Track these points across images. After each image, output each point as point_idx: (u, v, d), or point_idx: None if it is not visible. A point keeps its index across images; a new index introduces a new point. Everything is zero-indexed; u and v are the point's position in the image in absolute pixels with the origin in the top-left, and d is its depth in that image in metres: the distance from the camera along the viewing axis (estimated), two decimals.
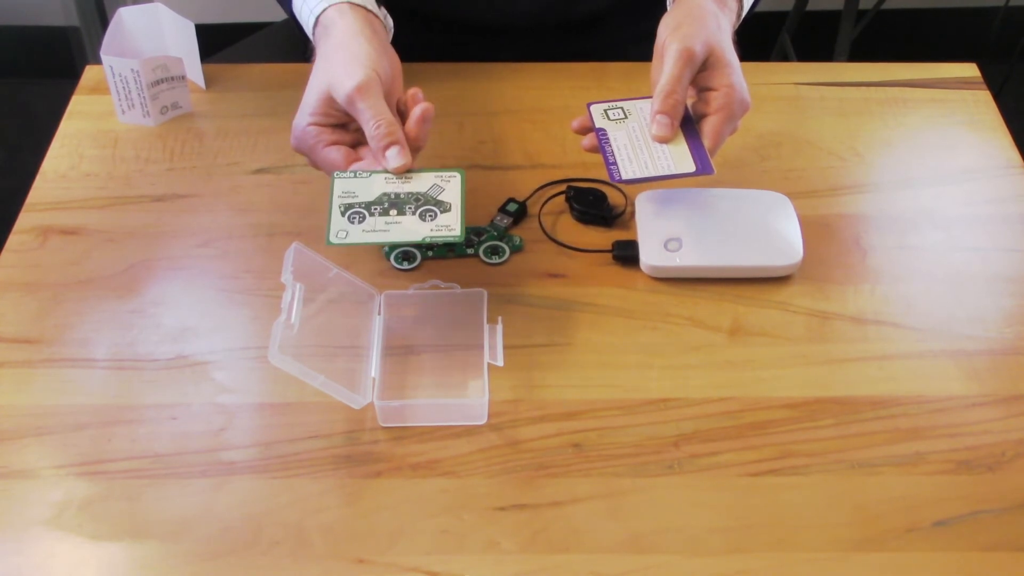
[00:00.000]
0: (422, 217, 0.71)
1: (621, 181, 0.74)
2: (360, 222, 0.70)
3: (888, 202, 0.84)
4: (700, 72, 0.75)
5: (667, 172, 0.74)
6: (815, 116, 0.91)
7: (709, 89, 0.75)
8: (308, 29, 0.80)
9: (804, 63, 0.98)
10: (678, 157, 0.74)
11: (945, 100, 0.93)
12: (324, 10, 0.78)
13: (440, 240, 0.70)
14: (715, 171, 0.73)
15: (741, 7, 0.82)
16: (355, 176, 0.72)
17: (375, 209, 0.71)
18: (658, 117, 0.74)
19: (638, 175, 0.74)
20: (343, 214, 0.70)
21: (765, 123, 0.90)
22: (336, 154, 0.73)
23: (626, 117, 0.77)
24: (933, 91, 0.94)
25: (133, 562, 0.61)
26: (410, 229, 0.70)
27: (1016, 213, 0.83)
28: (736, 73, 0.75)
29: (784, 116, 0.91)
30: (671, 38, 0.74)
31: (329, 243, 0.70)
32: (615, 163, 0.75)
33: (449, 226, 0.70)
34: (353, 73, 0.72)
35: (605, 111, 0.78)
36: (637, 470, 0.66)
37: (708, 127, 0.75)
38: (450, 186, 0.72)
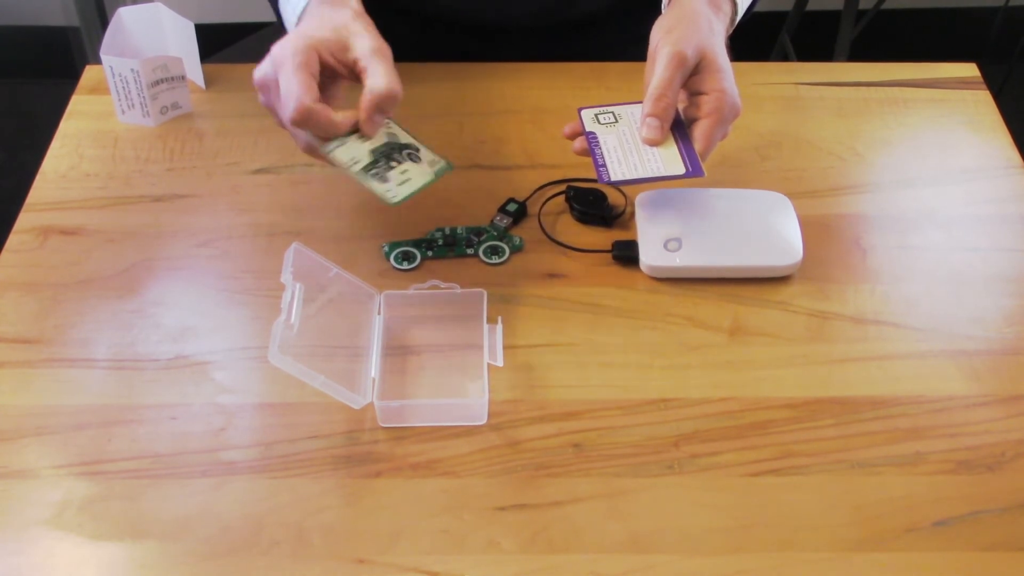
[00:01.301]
0: (412, 159, 0.73)
1: (610, 182, 0.74)
2: (385, 182, 0.73)
3: (888, 202, 0.84)
4: (692, 76, 0.75)
5: (657, 174, 0.74)
6: (815, 116, 0.91)
7: (700, 93, 0.75)
8: (294, 16, 0.80)
9: (804, 63, 0.98)
10: (668, 159, 0.74)
11: (945, 100, 0.93)
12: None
13: (442, 171, 0.74)
14: (705, 174, 0.73)
15: (735, 11, 0.82)
16: (341, 144, 0.73)
17: (380, 165, 0.73)
18: (648, 120, 0.75)
19: (627, 176, 0.74)
20: (372, 176, 0.73)
21: (765, 123, 0.90)
22: (306, 81, 0.71)
23: (617, 121, 0.78)
24: (933, 91, 0.94)
25: (133, 562, 0.61)
26: (419, 171, 0.74)
27: (1016, 213, 0.83)
28: (727, 78, 0.75)
29: (784, 116, 0.91)
30: (663, 41, 0.75)
31: (397, 203, 0.72)
32: (604, 165, 0.75)
33: (433, 160, 0.74)
34: (377, 34, 0.74)
35: (596, 116, 0.79)
36: (637, 470, 0.66)
37: (698, 131, 0.75)
38: (393, 132, 0.76)
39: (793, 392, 0.70)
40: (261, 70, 0.73)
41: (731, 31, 0.83)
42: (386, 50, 0.73)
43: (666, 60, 0.74)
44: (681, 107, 0.77)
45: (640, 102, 0.76)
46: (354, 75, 0.74)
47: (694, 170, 0.73)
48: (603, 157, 0.75)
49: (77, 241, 0.80)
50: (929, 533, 0.63)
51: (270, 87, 0.73)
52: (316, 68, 0.72)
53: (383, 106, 0.72)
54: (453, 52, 0.98)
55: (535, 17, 0.98)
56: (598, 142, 0.76)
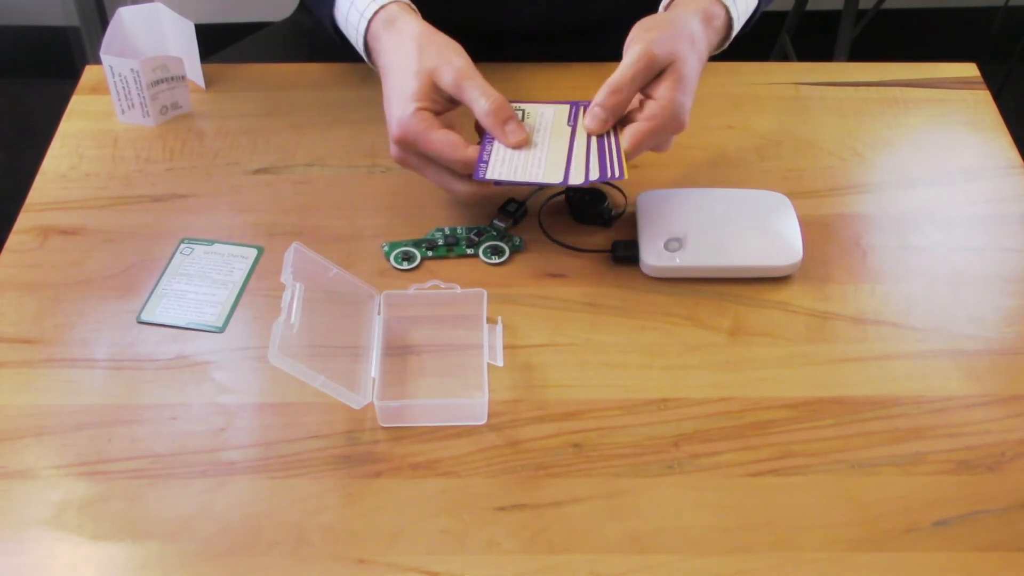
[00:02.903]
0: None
1: (483, 180, 0.73)
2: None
3: (888, 202, 0.84)
4: (654, 78, 0.74)
5: (533, 179, 0.73)
6: (815, 116, 0.91)
7: (651, 97, 0.74)
8: (361, 21, 0.80)
9: (804, 63, 0.98)
10: (551, 166, 0.73)
11: (945, 100, 0.93)
12: (385, 5, 0.79)
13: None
14: (626, 176, 0.71)
15: (730, 31, 0.81)
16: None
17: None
18: (595, 110, 0.74)
19: (503, 177, 0.73)
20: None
21: (765, 123, 0.90)
22: (450, 136, 0.73)
23: (523, 119, 0.77)
24: (933, 91, 0.94)
25: (133, 562, 0.61)
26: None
27: (1016, 213, 0.83)
28: (684, 91, 0.73)
29: (784, 116, 0.91)
30: (639, 39, 0.73)
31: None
32: (486, 161, 0.74)
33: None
34: (453, 58, 0.75)
35: None
36: (637, 470, 0.66)
37: (631, 130, 0.73)
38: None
39: (793, 392, 0.70)
40: (400, 130, 0.74)
41: (724, 47, 0.82)
42: (470, 66, 0.76)
43: (634, 56, 0.73)
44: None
45: (556, 103, 0.76)
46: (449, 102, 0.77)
47: (607, 174, 0.72)
48: (489, 154, 0.74)
49: (77, 241, 0.80)
50: (929, 533, 0.63)
51: (409, 161, 0.77)
52: (439, 107, 0.75)
53: (504, 116, 0.74)
54: None
55: (542, 21, 0.98)
56: (491, 138, 0.76)
